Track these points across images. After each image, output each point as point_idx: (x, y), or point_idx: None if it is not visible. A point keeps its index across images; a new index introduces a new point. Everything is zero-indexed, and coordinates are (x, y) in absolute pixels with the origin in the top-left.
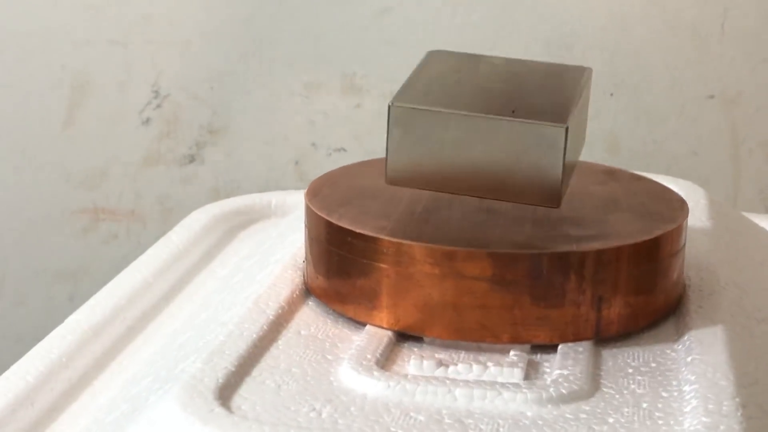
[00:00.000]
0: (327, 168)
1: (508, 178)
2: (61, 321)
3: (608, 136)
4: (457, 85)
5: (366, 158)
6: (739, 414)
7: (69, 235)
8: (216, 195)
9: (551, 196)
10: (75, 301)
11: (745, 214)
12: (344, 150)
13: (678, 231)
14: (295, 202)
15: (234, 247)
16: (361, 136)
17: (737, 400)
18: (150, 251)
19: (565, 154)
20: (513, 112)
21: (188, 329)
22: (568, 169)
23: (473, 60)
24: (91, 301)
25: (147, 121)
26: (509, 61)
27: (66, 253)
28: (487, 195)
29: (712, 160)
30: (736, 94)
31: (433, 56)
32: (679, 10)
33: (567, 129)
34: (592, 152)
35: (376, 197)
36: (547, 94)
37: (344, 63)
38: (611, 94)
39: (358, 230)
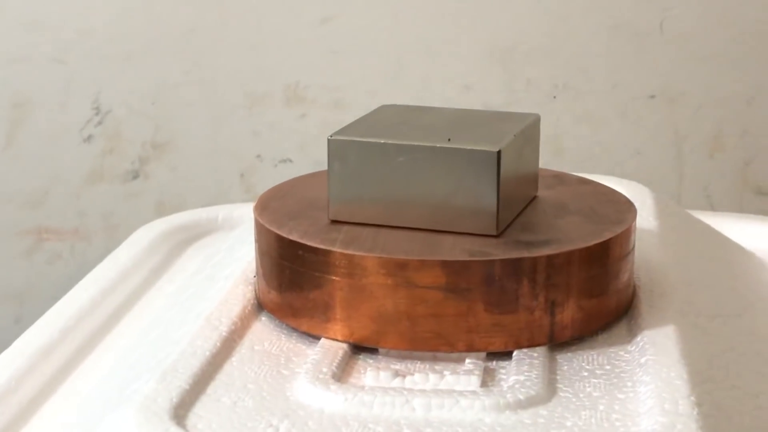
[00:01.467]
0: (273, 180)
1: (447, 207)
2: (7, 344)
3: (552, 139)
4: (399, 126)
5: (312, 169)
6: (695, 412)
7: (13, 256)
8: (162, 210)
9: (488, 222)
10: (21, 323)
11: (691, 212)
12: (290, 161)
13: (627, 233)
14: (242, 215)
15: (182, 262)
16: (306, 147)
17: (692, 398)
18: (97, 270)
19: (499, 178)
20: (449, 140)
21: (139, 348)
22: (509, 199)
23: (423, 110)
24: (39, 322)
25: (89, 139)
26: (459, 110)
27: (10, 275)
28: (429, 225)
29: (656, 159)
30: (677, 93)
31: (383, 108)
32: (618, 11)
33: (499, 152)
34: None
35: (326, 209)
36: (485, 130)
37: (287, 73)
38: (554, 97)
39: (309, 243)
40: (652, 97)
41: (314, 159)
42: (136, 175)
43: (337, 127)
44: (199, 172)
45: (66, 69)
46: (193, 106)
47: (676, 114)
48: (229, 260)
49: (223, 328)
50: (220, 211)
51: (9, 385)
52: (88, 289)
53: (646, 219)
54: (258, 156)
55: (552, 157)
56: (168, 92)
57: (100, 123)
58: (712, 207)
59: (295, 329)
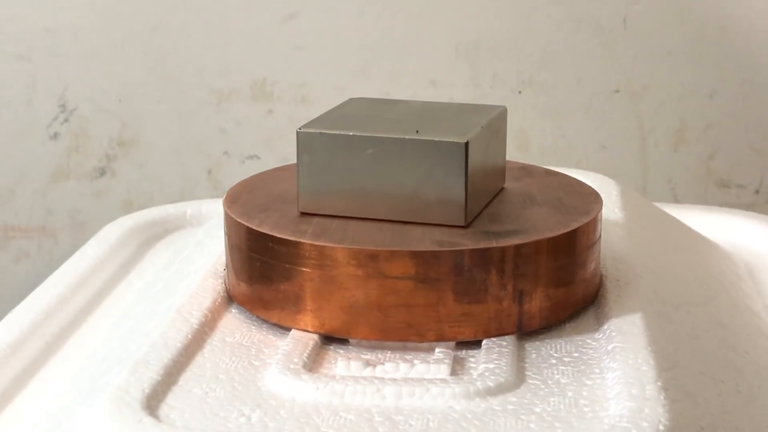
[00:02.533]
0: (241, 176)
1: (415, 198)
2: None
3: (519, 133)
4: (368, 119)
5: (280, 164)
6: (662, 397)
7: None
8: (129, 207)
9: (457, 213)
10: None
11: (656, 204)
12: (257, 157)
13: (594, 223)
14: (210, 210)
15: (150, 258)
16: (273, 143)
17: (659, 383)
18: (66, 265)
19: (467, 169)
20: (417, 132)
21: (110, 342)
22: (477, 190)
23: (390, 103)
24: (8, 318)
25: (55, 136)
26: (426, 103)
27: None
28: (398, 217)
29: (620, 153)
30: (640, 87)
31: (351, 101)
32: (581, 6)
33: (467, 144)
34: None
35: (296, 202)
36: (453, 122)
37: (253, 70)
38: (519, 92)
39: (279, 235)
40: (617, 91)
41: (281, 155)
42: (102, 173)
43: (304, 123)
44: (166, 169)
45: (31, 66)
46: (160, 103)
47: (639, 108)
48: (198, 254)
49: (194, 321)
50: (188, 207)
51: None
52: (57, 285)
53: (611, 210)
54: (225, 152)
55: (518, 151)
56: (134, 90)
57: (66, 120)
58: (677, 200)
59: (265, 321)
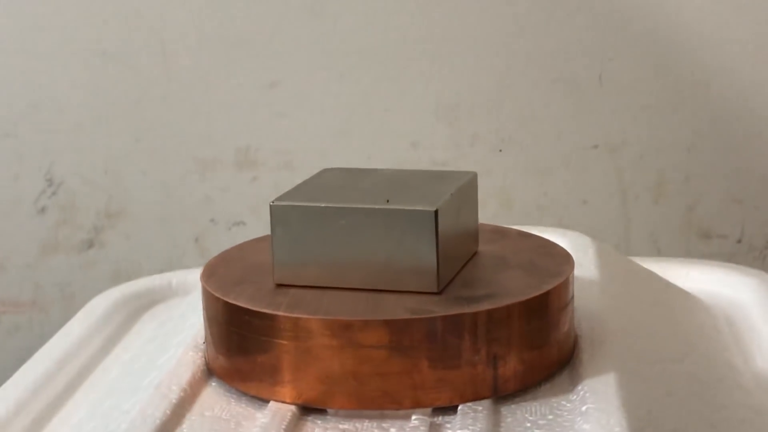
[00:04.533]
0: (228, 243)
1: (389, 267)
2: None
3: (500, 192)
4: (340, 189)
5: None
6: None
7: None
8: (118, 278)
9: (429, 280)
10: None
11: (637, 258)
12: (243, 223)
13: (565, 284)
14: (196, 280)
15: (137, 330)
16: (259, 209)
17: None
18: (51, 341)
19: (437, 237)
20: (387, 201)
21: (92, 419)
22: (449, 256)
23: (364, 172)
24: None
25: (42, 210)
26: (398, 171)
27: None
28: (372, 286)
29: (602, 207)
30: (619, 142)
31: (325, 171)
32: (557, 65)
33: (437, 212)
34: (485, 210)
35: (271, 273)
36: (423, 190)
37: (237, 137)
38: (500, 150)
39: (254, 308)
40: (595, 146)
41: (267, 221)
42: (91, 245)
43: (289, 188)
44: (153, 239)
45: (17, 142)
46: (145, 173)
47: (618, 162)
48: (181, 327)
49: (173, 396)
50: (174, 277)
51: None
52: (44, 362)
53: (587, 269)
54: (211, 220)
55: (500, 209)
56: (119, 161)
57: (53, 194)
58: (659, 252)
59: (244, 393)
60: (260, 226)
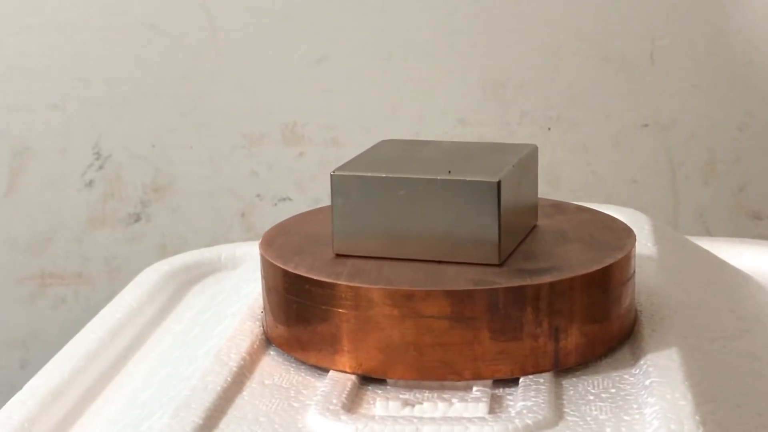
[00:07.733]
0: (273, 218)
1: (449, 238)
2: (13, 389)
3: (549, 170)
4: (400, 160)
5: (312, 206)
6: (700, 431)
7: (17, 303)
8: (163, 252)
9: (491, 252)
10: (27, 368)
11: (688, 237)
12: (289, 199)
13: (627, 258)
14: (244, 253)
15: (187, 302)
16: (305, 185)
17: (697, 418)
18: (104, 312)
19: (500, 208)
20: (449, 173)
21: (149, 387)
22: (510, 228)
23: (421, 144)
24: (49, 365)
25: (90, 183)
26: (456, 143)
27: (15, 321)
28: (432, 257)
29: (651, 187)
30: (669, 121)
31: (384, 142)
32: (608, 42)
33: (499, 182)
34: None
35: (330, 244)
36: (484, 161)
37: (284, 113)
38: (549, 129)
39: (315, 277)
40: (645, 125)
41: (313, 196)
42: (137, 218)
43: (335, 165)
44: (199, 213)
45: (65, 115)
46: (192, 148)
47: (669, 142)
48: (234, 298)
49: (233, 364)
50: (223, 251)
51: (22, 427)
52: (96, 331)
53: (644, 245)
54: (258, 195)
55: (549, 187)
56: (167, 135)
57: (101, 168)
58: (709, 232)
59: (303, 362)
60: (306, 202)
